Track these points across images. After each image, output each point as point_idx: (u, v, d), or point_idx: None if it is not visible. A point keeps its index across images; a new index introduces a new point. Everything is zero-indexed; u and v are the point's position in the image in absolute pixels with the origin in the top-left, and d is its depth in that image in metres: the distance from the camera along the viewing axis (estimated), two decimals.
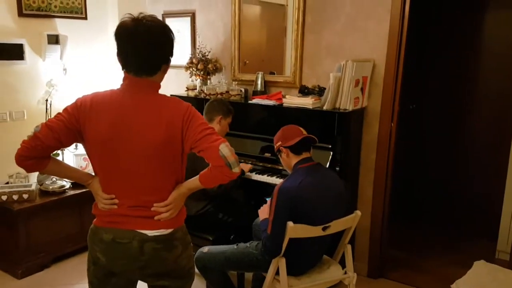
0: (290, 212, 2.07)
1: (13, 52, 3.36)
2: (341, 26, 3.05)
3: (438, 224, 4.12)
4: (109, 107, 1.56)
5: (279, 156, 2.37)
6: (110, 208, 1.64)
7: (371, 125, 3.04)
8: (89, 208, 3.44)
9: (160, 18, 4.02)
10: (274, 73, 3.40)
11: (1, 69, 3.31)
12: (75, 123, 1.56)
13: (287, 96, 3.09)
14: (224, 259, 2.38)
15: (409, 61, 3.01)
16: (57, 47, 3.59)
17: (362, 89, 2.91)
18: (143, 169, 1.59)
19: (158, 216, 1.62)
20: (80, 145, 3.72)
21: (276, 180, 2.89)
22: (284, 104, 3.04)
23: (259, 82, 3.33)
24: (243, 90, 3.39)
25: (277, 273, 2.17)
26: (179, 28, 3.83)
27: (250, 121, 3.26)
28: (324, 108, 2.87)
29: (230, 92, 3.36)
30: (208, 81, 3.58)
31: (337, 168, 2.79)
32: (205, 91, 3.42)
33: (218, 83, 3.48)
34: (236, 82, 3.47)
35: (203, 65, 3.51)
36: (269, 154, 3.03)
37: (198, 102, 3.33)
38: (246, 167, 3.01)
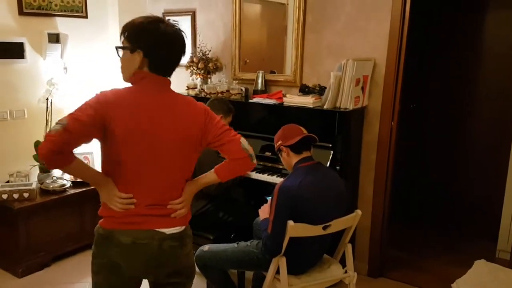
0: (291, 211, 2.07)
1: (14, 50, 3.35)
2: (342, 25, 3.04)
3: (439, 224, 4.11)
4: (136, 104, 1.55)
5: (279, 155, 2.37)
6: (127, 208, 1.58)
7: (372, 124, 3.03)
8: (90, 207, 3.49)
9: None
10: (274, 72, 3.40)
11: (1, 68, 3.30)
12: (100, 119, 1.49)
13: (287, 95, 3.09)
14: (224, 257, 2.38)
15: (409, 61, 3.01)
16: (58, 45, 3.59)
17: (362, 88, 2.91)
18: (167, 165, 1.61)
19: (175, 213, 1.64)
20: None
21: (276, 179, 2.89)
22: (284, 103, 3.04)
23: (259, 81, 3.33)
24: (243, 89, 3.38)
25: (278, 272, 2.17)
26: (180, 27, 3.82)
27: (251, 120, 3.26)
28: (325, 107, 2.87)
29: (231, 91, 3.35)
30: (209, 80, 3.58)
31: (338, 167, 2.79)
32: (205, 90, 3.42)
33: (219, 82, 3.48)
34: (237, 81, 3.47)
35: (204, 64, 3.51)
36: (270, 153, 3.03)
37: (198, 101, 3.31)
38: None
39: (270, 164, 3.04)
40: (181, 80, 3.69)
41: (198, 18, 3.74)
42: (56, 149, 1.41)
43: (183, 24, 3.75)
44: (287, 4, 3.24)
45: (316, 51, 3.18)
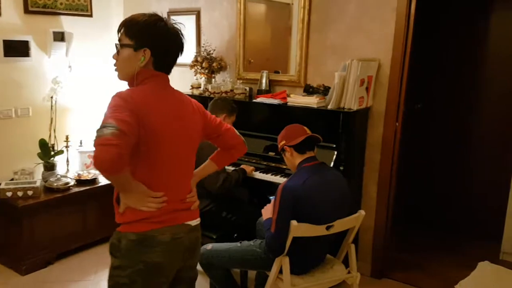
0: (294, 211, 2.07)
1: (19, 49, 3.36)
2: (346, 25, 3.04)
3: (442, 226, 4.09)
4: (159, 102, 1.55)
5: (283, 155, 2.37)
6: (162, 206, 1.55)
7: (376, 124, 3.03)
8: (93, 206, 3.50)
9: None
10: (279, 72, 3.40)
11: (7, 66, 3.32)
12: (136, 118, 1.43)
13: (291, 95, 3.09)
14: (227, 256, 2.39)
15: (414, 61, 3.00)
16: (63, 44, 3.60)
17: (367, 89, 2.90)
18: (185, 159, 1.67)
19: (193, 206, 1.70)
20: (85, 142, 3.76)
21: (280, 179, 2.89)
22: (288, 103, 3.04)
23: (263, 81, 3.33)
24: (247, 88, 3.39)
25: (280, 271, 2.17)
26: (184, 26, 3.83)
27: (254, 120, 3.26)
28: (329, 107, 2.87)
29: (235, 91, 3.35)
30: (213, 80, 3.58)
31: (341, 168, 2.78)
32: (209, 90, 3.42)
33: (223, 81, 3.48)
34: (241, 81, 3.47)
35: (208, 64, 3.51)
36: (273, 153, 3.03)
37: (202, 100, 3.31)
38: (249, 168, 3.01)
39: (273, 164, 3.04)
40: (185, 80, 3.69)
41: (203, 18, 3.74)
42: (124, 152, 1.34)
43: (188, 23, 3.79)
44: (292, 4, 3.24)
45: (321, 51, 3.17)
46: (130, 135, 1.37)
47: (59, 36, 3.58)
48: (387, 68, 2.92)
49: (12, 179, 3.33)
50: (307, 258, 2.26)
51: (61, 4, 3.60)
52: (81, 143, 3.77)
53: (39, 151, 3.43)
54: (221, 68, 3.57)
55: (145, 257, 1.54)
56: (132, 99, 1.46)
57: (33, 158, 3.44)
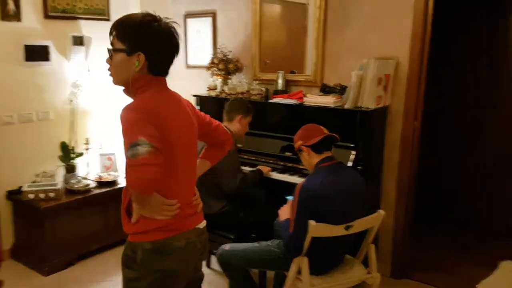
0: (312, 211, 2.06)
1: (40, 53, 3.43)
2: (363, 24, 3.02)
3: (462, 225, 4.03)
4: (167, 110, 1.50)
5: (299, 155, 2.36)
6: (176, 213, 1.53)
7: (394, 123, 3.00)
8: (114, 207, 3.54)
9: (182, 18, 4.04)
10: (295, 72, 3.39)
11: (28, 70, 3.39)
12: (156, 130, 1.41)
13: (308, 95, 3.08)
14: (245, 256, 2.39)
15: (432, 59, 2.96)
16: (82, 48, 3.66)
17: (385, 88, 2.88)
18: (194, 162, 1.67)
19: (199, 208, 1.68)
20: (104, 145, 3.81)
21: (297, 179, 2.88)
22: (305, 103, 3.03)
23: (280, 81, 3.32)
24: (263, 89, 3.39)
25: (299, 272, 2.17)
26: (200, 28, 3.86)
27: (271, 120, 3.26)
28: (346, 106, 2.85)
29: (251, 92, 3.36)
30: (229, 81, 3.59)
31: (360, 167, 2.76)
32: (226, 91, 3.44)
33: (239, 82, 3.49)
34: (257, 82, 3.47)
35: (224, 65, 3.53)
36: (290, 153, 3.03)
37: (219, 102, 3.35)
38: (265, 169, 3.02)
39: (290, 164, 3.03)
40: (201, 81, 3.72)
41: (219, 19, 3.76)
42: (161, 170, 1.35)
43: (204, 25, 3.82)
44: (308, 3, 3.23)
45: (337, 51, 3.15)
46: (162, 151, 1.36)
47: (78, 40, 3.64)
48: (405, 66, 2.89)
49: (34, 182, 3.40)
50: (326, 258, 2.25)
51: (79, 8, 3.66)
52: (101, 145, 3.82)
53: (60, 153, 3.49)
54: (237, 69, 3.58)
55: (162, 265, 1.53)
56: (148, 111, 1.43)
57: (54, 160, 3.51)
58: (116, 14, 3.95)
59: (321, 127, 2.30)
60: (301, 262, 2.13)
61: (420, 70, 2.87)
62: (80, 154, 3.60)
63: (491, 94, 3.90)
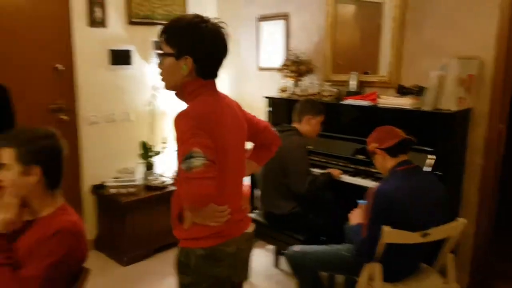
0: (387, 216, 2.00)
1: (123, 57, 3.66)
2: (442, 22, 2.87)
3: None
4: (219, 114, 1.49)
5: (372, 158, 2.30)
6: (225, 219, 1.52)
7: (478, 126, 2.81)
8: None
9: (254, 21, 4.07)
10: (368, 73, 3.31)
11: (113, 73, 3.62)
12: (210, 138, 1.41)
13: (382, 97, 2.99)
14: (315, 258, 2.38)
15: None
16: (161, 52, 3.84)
17: (467, 88, 2.72)
18: (244, 166, 1.66)
19: (247, 213, 1.69)
20: None
21: (369, 183, 2.81)
22: (379, 105, 2.95)
23: (352, 82, 3.26)
24: (335, 90, 3.34)
25: (371, 277, 2.11)
26: (273, 30, 3.89)
27: (342, 122, 3.21)
28: (424, 108, 2.73)
29: (322, 93, 3.33)
30: (300, 83, 3.58)
31: (439, 172, 2.63)
32: (297, 93, 3.44)
33: (310, 84, 3.48)
34: (329, 83, 3.43)
35: (296, 67, 3.53)
36: (362, 156, 2.95)
37: (290, 103, 3.35)
38: (336, 171, 2.97)
39: (362, 167, 2.96)
40: (272, 83, 3.75)
41: (292, 22, 3.77)
42: (216, 183, 1.35)
43: (277, 28, 3.85)
44: (384, 2, 3.14)
45: (414, 50, 3.03)
46: (216, 162, 1.36)
47: (159, 45, 3.82)
48: (490, 66, 2.71)
49: (116, 177, 3.61)
50: (400, 265, 2.17)
51: (159, 14, 3.85)
52: None
53: (140, 151, 3.70)
54: (309, 70, 3.57)
55: (215, 271, 1.54)
56: (200, 117, 1.42)
57: (134, 158, 3.72)
58: None
59: (397, 129, 2.22)
60: (374, 268, 2.08)
61: (506, 70, 2.68)
62: (158, 153, 3.78)
63: None
